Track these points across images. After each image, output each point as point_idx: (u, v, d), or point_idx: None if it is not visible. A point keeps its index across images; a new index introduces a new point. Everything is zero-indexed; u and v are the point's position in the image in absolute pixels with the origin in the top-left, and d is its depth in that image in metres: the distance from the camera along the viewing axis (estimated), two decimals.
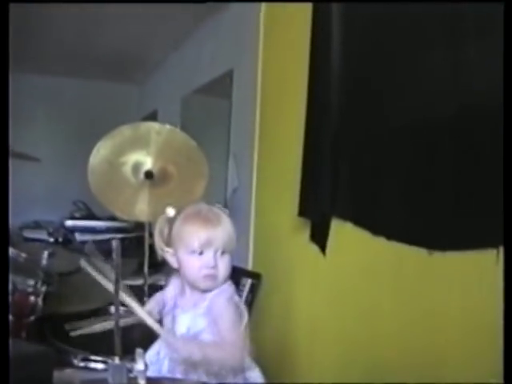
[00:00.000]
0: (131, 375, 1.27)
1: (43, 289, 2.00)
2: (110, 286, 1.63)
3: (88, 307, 2.10)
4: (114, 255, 1.31)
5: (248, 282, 3.22)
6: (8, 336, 1.26)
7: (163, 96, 6.53)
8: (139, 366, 1.27)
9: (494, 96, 1.64)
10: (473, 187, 1.73)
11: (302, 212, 2.73)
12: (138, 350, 1.30)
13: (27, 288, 1.97)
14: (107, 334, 1.95)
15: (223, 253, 1.70)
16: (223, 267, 1.71)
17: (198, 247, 1.69)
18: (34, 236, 5.06)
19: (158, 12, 4.66)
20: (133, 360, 1.31)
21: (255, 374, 1.80)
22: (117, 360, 1.28)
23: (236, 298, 1.76)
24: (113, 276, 1.50)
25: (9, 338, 1.25)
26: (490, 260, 1.63)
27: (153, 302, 1.87)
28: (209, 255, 1.69)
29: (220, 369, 1.67)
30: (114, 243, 1.30)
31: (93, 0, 3.27)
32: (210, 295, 1.71)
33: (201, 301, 1.72)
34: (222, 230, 1.70)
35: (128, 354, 2.08)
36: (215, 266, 1.69)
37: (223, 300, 1.71)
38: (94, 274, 1.75)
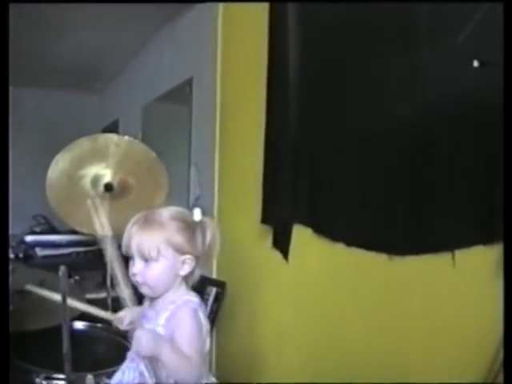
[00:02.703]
0: None
1: None
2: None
3: (49, 324, 2.07)
4: (61, 281, 1.30)
5: (213, 291, 3.21)
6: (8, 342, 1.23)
7: (124, 105, 6.49)
8: None
9: (449, 101, 1.67)
10: (429, 193, 1.76)
11: (265, 219, 2.74)
12: (89, 376, 1.30)
13: None
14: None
15: (149, 260, 1.67)
16: (149, 275, 1.68)
17: (125, 251, 1.72)
18: None
19: (115, 21, 4.64)
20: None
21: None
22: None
23: (200, 312, 1.73)
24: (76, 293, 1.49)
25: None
26: (447, 263, 1.66)
27: (124, 312, 1.85)
28: (134, 261, 1.70)
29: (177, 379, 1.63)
30: (61, 270, 1.29)
31: (89, 0, 3.22)
32: (171, 306, 1.70)
33: (162, 311, 1.71)
34: (147, 236, 1.67)
35: (94, 369, 2.07)
36: (138, 273, 1.68)
37: (184, 312, 1.70)
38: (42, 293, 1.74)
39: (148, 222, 1.70)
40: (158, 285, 1.72)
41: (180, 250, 1.70)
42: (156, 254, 1.66)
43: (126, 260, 1.74)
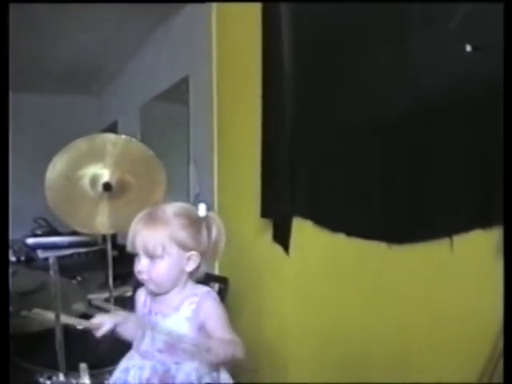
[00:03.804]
0: None
1: None
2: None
3: (51, 325, 2.07)
4: (52, 272, 1.29)
5: (215, 287, 3.21)
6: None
7: (122, 106, 6.51)
8: (83, 381, 1.26)
9: (443, 88, 1.67)
10: (426, 180, 1.76)
11: (264, 213, 2.74)
12: (82, 365, 1.29)
13: None
14: (72, 352, 1.94)
15: (154, 257, 1.67)
16: (155, 272, 1.68)
17: (130, 249, 1.71)
18: None
19: (111, 23, 4.65)
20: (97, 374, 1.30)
21: (224, 375, 1.78)
22: (61, 377, 1.28)
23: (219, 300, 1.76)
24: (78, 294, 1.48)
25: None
26: (446, 249, 1.66)
27: (103, 317, 1.80)
28: (139, 258, 1.69)
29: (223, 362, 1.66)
30: (51, 260, 1.28)
31: (92, 0, 3.22)
32: (195, 298, 1.71)
33: (184, 304, 1.71)
34: (152, 233, 1.67)
35: (98, 367, 2.07)
36: (143, 271, 1.68)
37: (211, 302, 1.72)
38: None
39: (152, 220, 1.70)
40: (164, 282, 1.72)
41: (185, 247, 1.70)
42: (161, 252, 1.66)
43: (131, 257, 1.74)
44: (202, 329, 1.68)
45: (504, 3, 1.43)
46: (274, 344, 2.86)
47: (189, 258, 1.71)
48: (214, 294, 1.76)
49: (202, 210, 1.77)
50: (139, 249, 1.68)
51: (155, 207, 1.76)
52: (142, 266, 1.68)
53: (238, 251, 3.09)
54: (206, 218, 1.77)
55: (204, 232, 1.74)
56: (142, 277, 1.70)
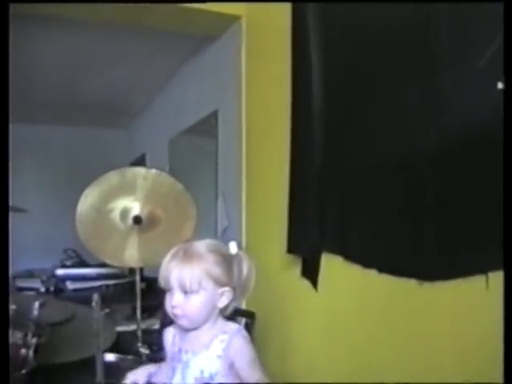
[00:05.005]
0: None
1: (34, 341, 1.97)
2: None
3: (80, 357, 2.08)
4: (94, 308, 1.31)
5: (242, 321, 3.20)
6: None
7: (151, 139, 6.57)
8: None
9: (473, 126, 1.66)
10: (458, 216, 1.75)
11: (291, 249, 2.74)
12: None
13: (18, 341, 1.95)
14: None
15: (189, 292, 1.68)
16: (189, 307, 1.69)
17: (163, 284, 1.72)
18: (27, 285, 5.06)
19: (140, 57, 4.73)
20: None
21: None
22: None
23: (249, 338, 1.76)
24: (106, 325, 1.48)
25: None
26: (479, 286, 1.64)
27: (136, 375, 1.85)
28: (173, 294, 1.70)
29: None
30: (94, 299, 1.29)
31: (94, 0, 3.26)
32: (225, 336, 1.71)
33: (214, 342, 1.71)
34: (189, 269, 1.68)
35: None
36: (178, 306, 1.69)
37: (241, 340, 1.71)
38: None
39: (187, 255, 1.71)
40: (197, 317, 1.72)
41: (219, 282, 1.71)
42: (197, 287, 1.68)
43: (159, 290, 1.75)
44: (232, 367, 1.68)
45: (504, 3, 1.44)
46: (300, 380, 2.84)
47: (222, 294, 1.73)
48: (245, 332, 1.76)
49: (233, 248, 1.79)
50: (174, 284, 1.69)
51: (186, 244, 1.78)
52: (176, 301, 1.69)
53: (265, 285, 3.07)
54: (236, 256, 1.79)
55: (236, 269, 1.76)
56: (177, 312, 1.71)
